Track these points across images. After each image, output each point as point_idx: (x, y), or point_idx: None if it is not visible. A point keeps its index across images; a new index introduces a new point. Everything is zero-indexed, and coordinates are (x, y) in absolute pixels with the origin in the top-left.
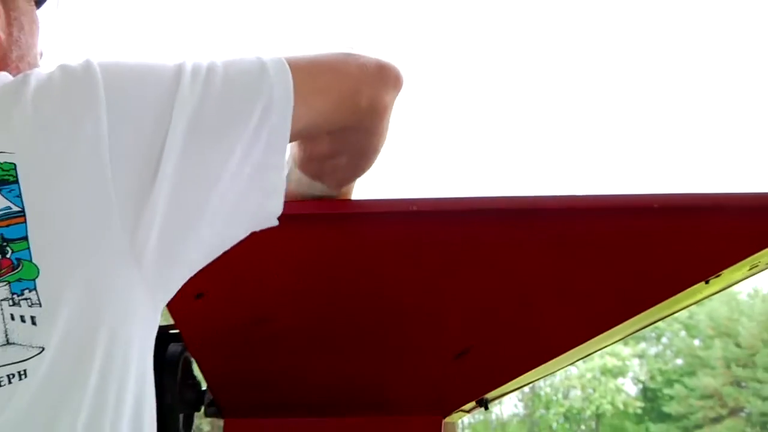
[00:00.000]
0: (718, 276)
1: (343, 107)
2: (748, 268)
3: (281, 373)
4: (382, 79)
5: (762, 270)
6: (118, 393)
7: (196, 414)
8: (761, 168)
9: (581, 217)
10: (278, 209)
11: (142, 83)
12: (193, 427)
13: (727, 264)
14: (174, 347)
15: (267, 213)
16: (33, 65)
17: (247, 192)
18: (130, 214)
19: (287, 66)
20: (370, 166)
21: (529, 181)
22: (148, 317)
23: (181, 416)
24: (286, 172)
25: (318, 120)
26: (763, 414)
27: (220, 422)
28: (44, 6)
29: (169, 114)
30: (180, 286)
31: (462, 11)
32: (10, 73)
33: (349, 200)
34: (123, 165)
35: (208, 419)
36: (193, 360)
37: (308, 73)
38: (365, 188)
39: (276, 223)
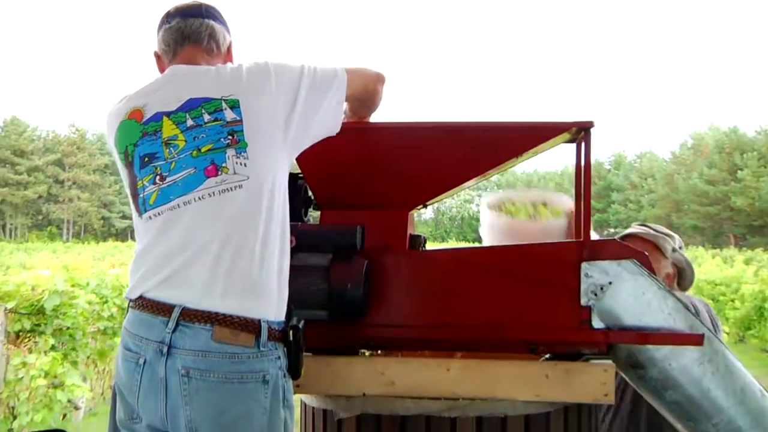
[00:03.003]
0: (522, 155)
1: (364, 90)
2: (532, 153)
3: (343, 191)
4: (380, 80)
5: (537, 155)
6: (283, 201)
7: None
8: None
9: (468, 131)
10: (339, 127)
11: (288, 73)
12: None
13: (524, 150)
14: (300, 181)
15: (336, 128)
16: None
17: (330, 118)
18: (283, 122)
19: (345, 72)
20: (371, 113)
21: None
22: (286, 168)
23: (302, 210)
24: (344, 112)
25: (353, 95)
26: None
27: (316, 213)
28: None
29: (298, 85)
30: (297, 155)
31: None
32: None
33: (367, 121)
34: (281, 102)
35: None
36: (308, 186)
37: (353, 77)
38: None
39: (335, 133)
